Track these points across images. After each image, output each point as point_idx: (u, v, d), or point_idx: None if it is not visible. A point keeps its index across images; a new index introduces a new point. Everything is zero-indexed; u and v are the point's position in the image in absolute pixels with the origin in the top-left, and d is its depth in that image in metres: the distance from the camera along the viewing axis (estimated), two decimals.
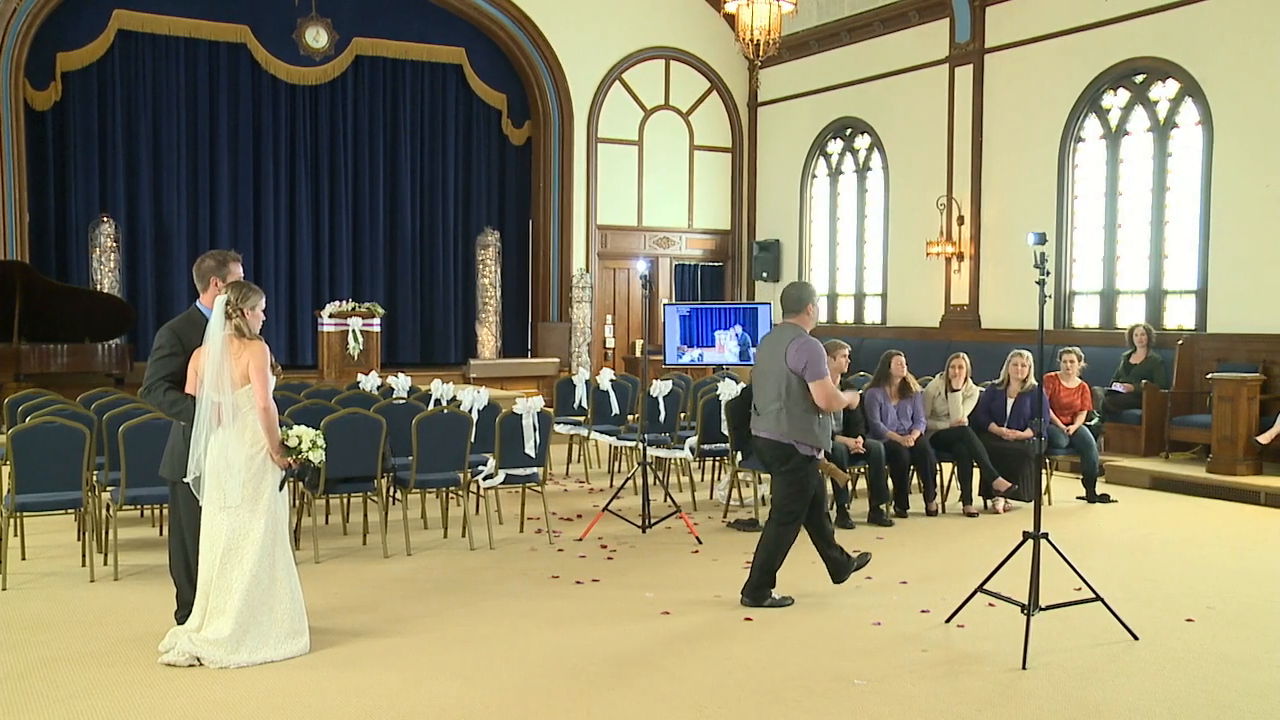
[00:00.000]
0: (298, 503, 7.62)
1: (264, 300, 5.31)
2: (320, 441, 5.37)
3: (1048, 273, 5.60)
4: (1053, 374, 9.73)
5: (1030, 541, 5.58)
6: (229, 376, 5.11)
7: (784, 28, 13.05)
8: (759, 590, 6.20)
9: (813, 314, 6.33)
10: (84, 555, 6.93)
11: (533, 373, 16.33)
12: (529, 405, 7.79)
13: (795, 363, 6.05)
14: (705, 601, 6.31)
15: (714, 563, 7.28)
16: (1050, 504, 9.25)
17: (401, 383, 9.92)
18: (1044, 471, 9.32)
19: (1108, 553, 7.61)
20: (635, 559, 7.37)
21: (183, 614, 5.44)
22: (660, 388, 9.93)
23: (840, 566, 6.45)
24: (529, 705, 4.66)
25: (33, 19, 13.88)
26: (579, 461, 10.91)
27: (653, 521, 8.20)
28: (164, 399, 5.34)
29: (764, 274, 17.72)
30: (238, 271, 5.52)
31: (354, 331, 14.17)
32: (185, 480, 5.23)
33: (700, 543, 7.84)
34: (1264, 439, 9.91)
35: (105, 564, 6.81)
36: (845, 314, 16.84)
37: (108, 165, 14.87)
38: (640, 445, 8.64)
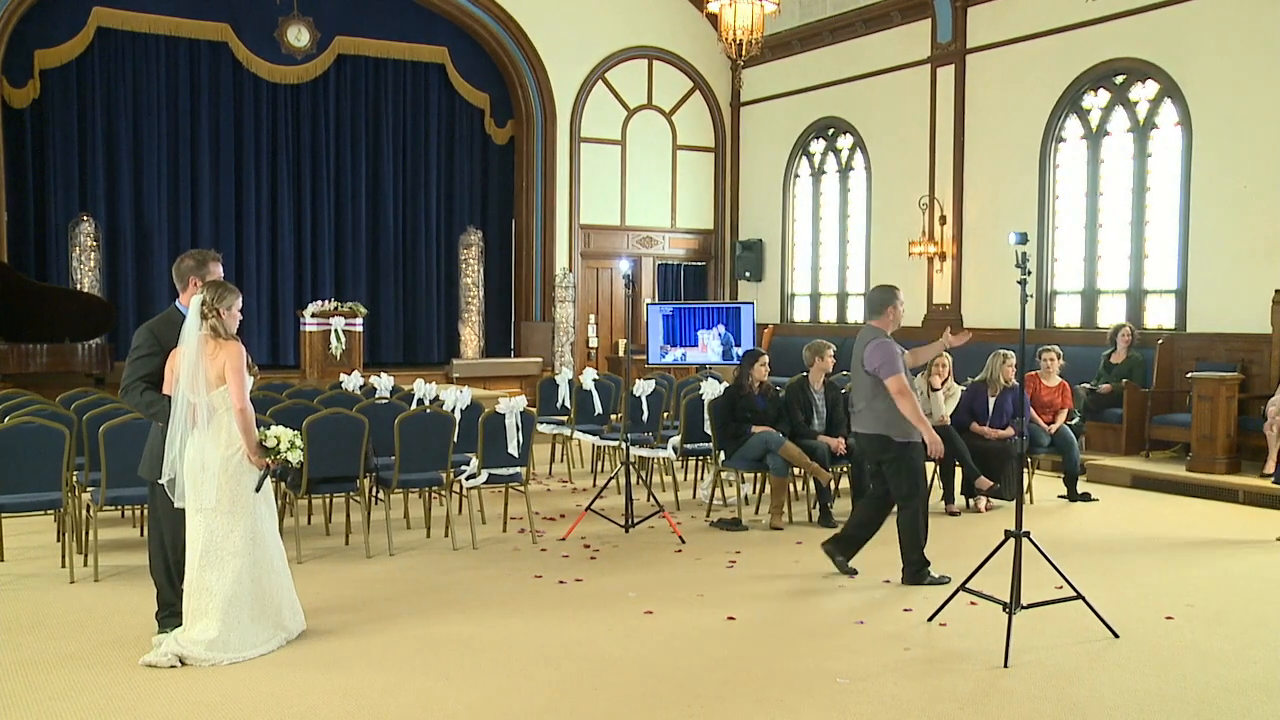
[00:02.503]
0: (280, 503, 7.58)
1: (240, 300, 5.27)
2: (299, 442, 5.34)
3: (1029, 272, 5.63)
4: (1033, 373, 9.78)
5: (1012, 540, 5.61)
6: (205, 377, 5.07)
7: (766, 28, 13.06)
8: (918, 572, 6.63)
9: (893, 316, 6.69)
10: (64, 556, 6.90)
11: (515, 372, 16.31)
12: (512, 405, 7.78)
13: (870, 363, 6.54)
14: (688, 601, 6.32)
15: (697, 562, 7.28)
16: (1032, 502, 9.29)
17: (384, 382, 9.90)
18: (1025, 470, 9.37)
19: (1089, 551, 7.65)
20: (618, 558, 7.37)
21: (163, 614, 5.42)
22: (643, 387, 9.94)
23: (844, 545, 6.85)
24: (512, 705, 4.65)
25: (10, 16, 13.77)
26: (562, 461, 10.91)
27: (636, 521, 8.20)
28: (141, 399, 5.30)
29: (747, 273, 17.74)
30: (217, 271, 5.48)
31: (336, 331, 14.12)
32: (160, 481, 5.20)
33: (683, 542, 7.84)
34: (1269, 468, 9.82)
35: (85, 565, 6.76)
36: (828, 313, 16.88)
37: (87, 164, 14.75)
38: (623, 445, 8.64)
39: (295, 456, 5.29)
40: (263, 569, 5.27)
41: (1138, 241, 12.60)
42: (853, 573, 6.84)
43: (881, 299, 6.71)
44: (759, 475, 8.96)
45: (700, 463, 10.27)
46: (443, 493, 7.87)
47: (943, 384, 9.44)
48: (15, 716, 4.51)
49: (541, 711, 4.59)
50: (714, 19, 13.57)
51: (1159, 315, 12.38)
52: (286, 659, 5.17)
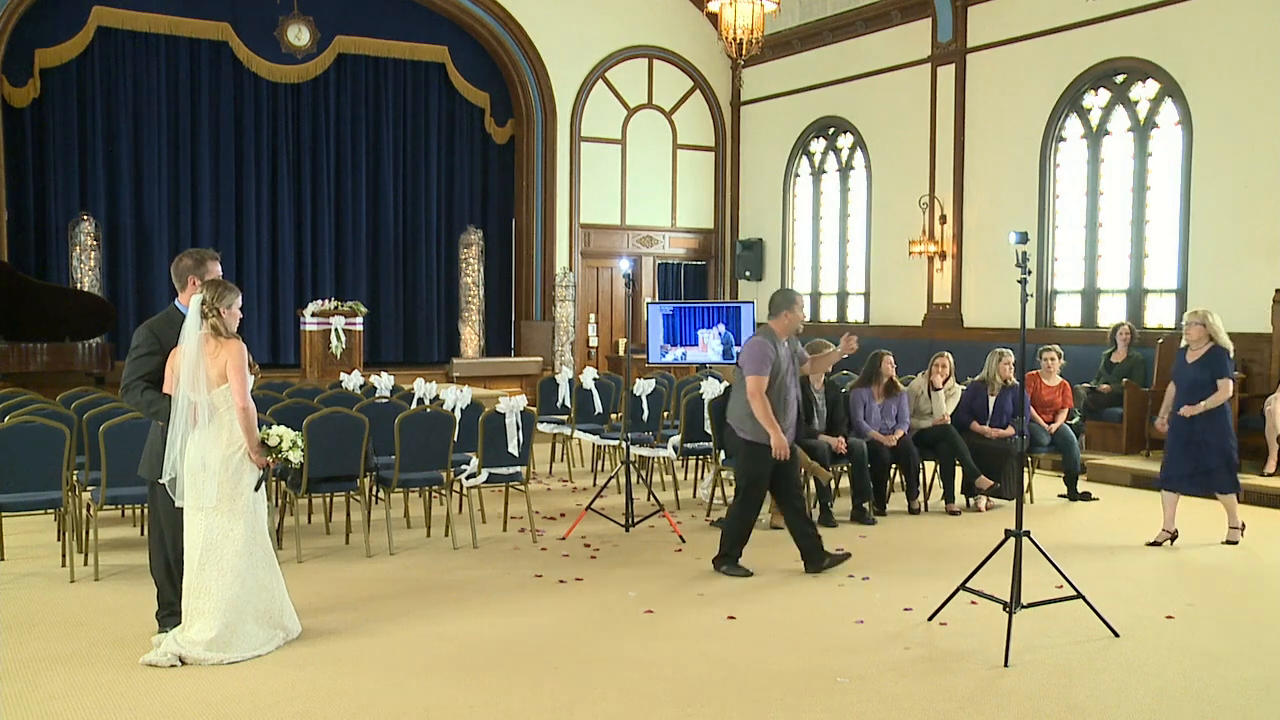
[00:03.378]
0: (280, 502, 7.60)
1: (240, 299, 5.27)
2: (300, 442, 5.34)
3: (1029, 272, 5.63)
4: (1034, 372, 9.78)
5: (1012, 539, 5.61)
6: (205, 376, 5.07)
7: (766, 27, 13.07)
8: (724, 561, 6.89)
9: (788, 319, 6.90)
10: (64, 555, 6.90)
11: (516, 371, 16.31)
12: (512, 404, 7.78)
13: (740, 358, 6.91)
14: (688, 600, 6.31)
15: (697, 561, 7.28)
16: (1032, 502, 9.28)
17: (384, 382, 9.90)
18: (1026, 469, 9.37)
19: (1089, 550, 7.65)
20: (618, 558, 7.37)
21: (164, 614, 5.42)
22: (643, 386, 9.93)
23: (812, 556, 6.92)
24: (512, 704, 4.65)
25: (10, 15, 13.77)
26: (562, 460, 10.91)
27: (636, 520, 8.20)
28: (141, 399, 5.30)
29: (747, 273, 17.74)
30: (216, 270, 5.47)
31: (336, 330, 14.12)
32: (161, 481, 5.20)
33: (683, 541, 7.84)
34: (1270, 467, 9.88)
35: (85, 564, 6.76)
36: (828, 313, 16.88)
37: (88, 163, 14.76)
38: (623, 444, 8.64)
39: (296, 456, 5.29)
40: (264, 568, 5.27)
41: (1138, 241, 12.60)
42: (845, 555, 7.04)
43: (779, 302, 6.97)
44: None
45: (700, 462, 10.27)
46: (443, 492, 7.87)
47: (943, 383, 9.44)
48: (16, 715, 4.51)
49: (541, 710, 4.59)
50: (714, 18, 13.57)
51: (1159, 315, 12.38)
52: (286, 658, 5.17)
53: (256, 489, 5.24)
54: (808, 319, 16.89)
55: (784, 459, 6.79)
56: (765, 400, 6.69)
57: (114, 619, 5.80)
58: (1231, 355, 7.66)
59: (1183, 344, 7.84)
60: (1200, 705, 4.71)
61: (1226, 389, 7.54)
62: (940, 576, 6.62)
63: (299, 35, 15.61)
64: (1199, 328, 7.61)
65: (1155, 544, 7.79)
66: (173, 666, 5.00)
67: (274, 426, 5.33)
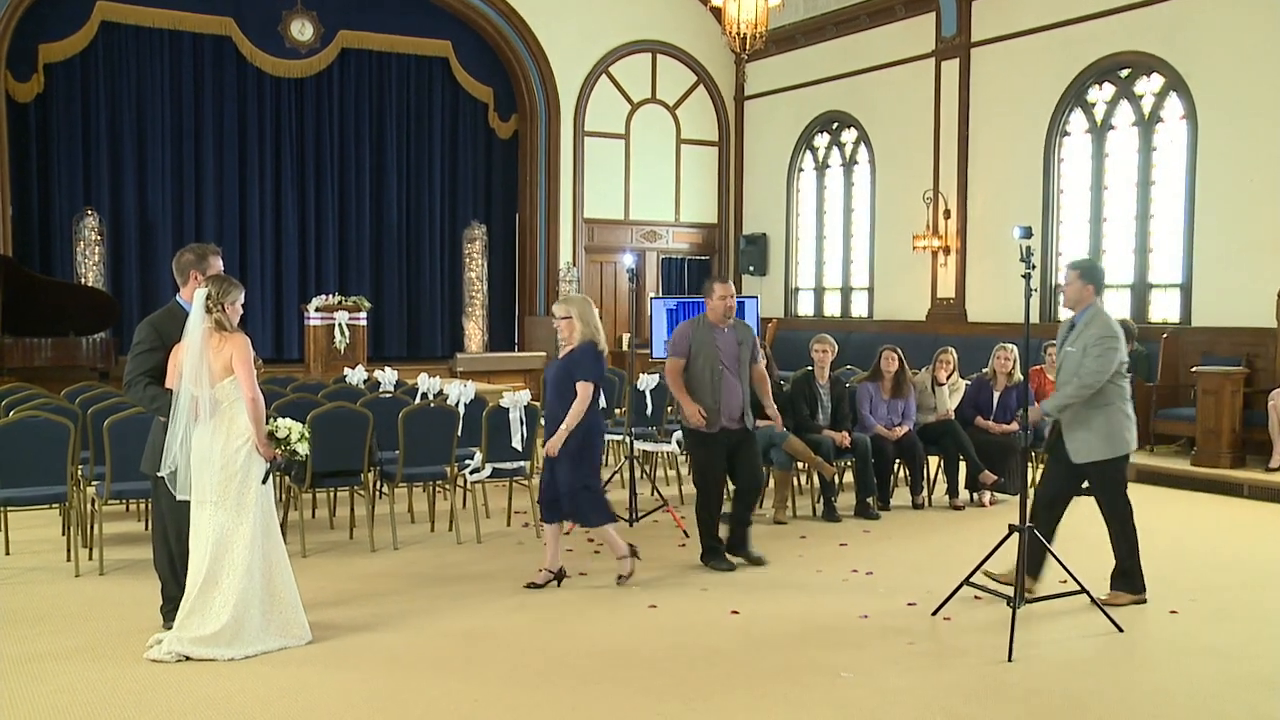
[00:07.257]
0: (284, 497, 7.60)
1: (243, 294, 5.28)
2: (307, 434, 5.35)
3: (1033, 266, 5.63)
4: (1038, 367, 9.76)
5: (1016, 534, 5.61)
6: (208, 370, 5.07)
7: (770, 21, 13.05)
8: (702, 553, 7.04)
9: (710, 307, 7.12)
10: (69, 550, 6.90)
11: (519, 366, 16.31)
12: (516, 399, 7.78)
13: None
14: (692, 594, 6.32)
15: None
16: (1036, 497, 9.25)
17: (388, 376, 9.90)
18: (1030, 464, 9.35)
19: (1093, 545, 7.61)
20: None
21: (168, 608, 5.42)
22: (647, 381, 9.93)
23: (732, 543, 7.09)
24: (515, 699, 4.65)
25: (14, 9, 13.77)
26: None
27: (640, 515, 8.20)
28: (144, 394, 5.30)
29: (751, 268, 17.73)
30: (218, 265, 5.47)
31: (340, 325, 14.12)
32: (161, 475, 5.20)
33: (687, 536, 7.82)
34: (1275, 462, 9.89)
35: (90, 559, 6.77)
36: (832, 308, 16.86)
37: (91, 158, 14.78)
38: (627, 439, 8.64)
39: (303, 448, 5.30)
40: (275, 565, 5.26)
41: (1142, 235, 12.58)
42: (758, 560, 7.05)
43: (705, 290, 7.20)
44: (763, 469, 8.94)
45: None
46: (447, 487, 7.88)
47: (947, 378, 9.43)
48: (20, 710, 4.52)
49: (545, 705, 4.59)
50: (718, 13, 13.55)
51: (1164, 309, 12.36)
52: (290, 654, 5.17)
53: (264, 482, 5.24)
54: (812, 314, 16.91)
55: (700, 426, 6.92)
56: (679, 380, 6.96)
57: (118, 614, 5.81)
58: (603, 353, 6.42)
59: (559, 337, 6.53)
60: (1204, 700, 4.70)
61: (585, 394, 6.25)
62: (944, 571, 6.60)
63: (302, 30, 15.61)
64: (567, 321, 6.36)
65: (535, 585, 6.41)
66: (177, 662, 5.00)
67: (281, 418, 5.34)
